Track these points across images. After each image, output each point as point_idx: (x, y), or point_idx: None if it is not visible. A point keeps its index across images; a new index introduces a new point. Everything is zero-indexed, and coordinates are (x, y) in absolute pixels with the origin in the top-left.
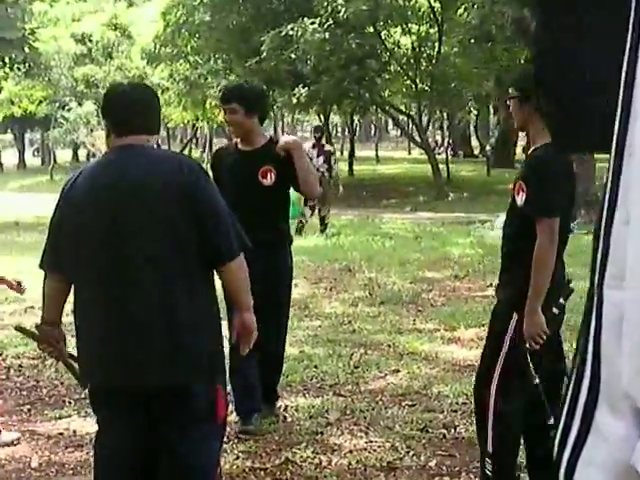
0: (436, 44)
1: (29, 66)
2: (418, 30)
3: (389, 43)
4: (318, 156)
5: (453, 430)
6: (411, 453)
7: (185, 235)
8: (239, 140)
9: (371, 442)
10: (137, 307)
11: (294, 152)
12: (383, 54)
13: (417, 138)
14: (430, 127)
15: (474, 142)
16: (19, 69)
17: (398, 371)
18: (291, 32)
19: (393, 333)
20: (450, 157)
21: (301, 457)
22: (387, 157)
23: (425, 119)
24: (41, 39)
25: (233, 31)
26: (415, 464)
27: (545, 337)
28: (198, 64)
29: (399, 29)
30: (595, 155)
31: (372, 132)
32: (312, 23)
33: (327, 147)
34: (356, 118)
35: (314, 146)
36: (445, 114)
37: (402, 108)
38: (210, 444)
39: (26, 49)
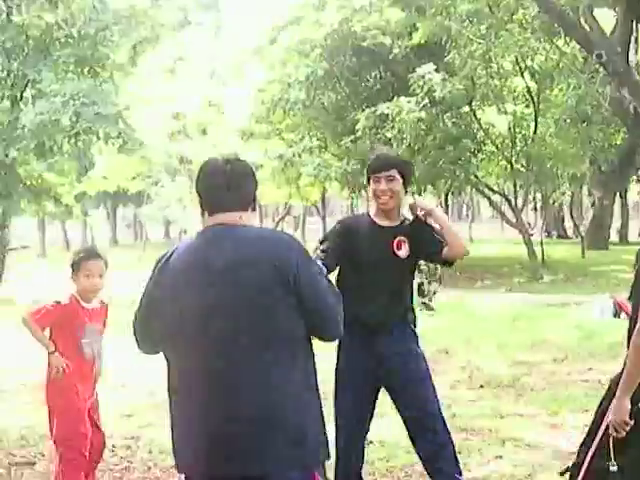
0: (531, 124)
1: (123, 141)
2: (514, 110)
3: (484, 123)
4: None
5: None
6: None
7: (286, 316)
8: (375, 213)
9: None
10: (241, 394)
11: (433, 212)
12: (478, 134)
13: (512, 219)
14: (524, 208)
15: (567, 223)
16: (113, 144)
17: (501, 457)
18: (387, 111)
19: (494, 418)
20: (544, 238)
21: None
22: (480, 238)
23: (520, 200)
24: (135, 116)
25: (328, 109)
26: None
27: (629, 427)
28: (292, 142)
29: (494, 108)
30: None
31: (464, 212)
32: (408, 102)
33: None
34: (450, 198)
35: None
36: (539, 195)
37: (496, 188)
38: None
39: (121, 124)
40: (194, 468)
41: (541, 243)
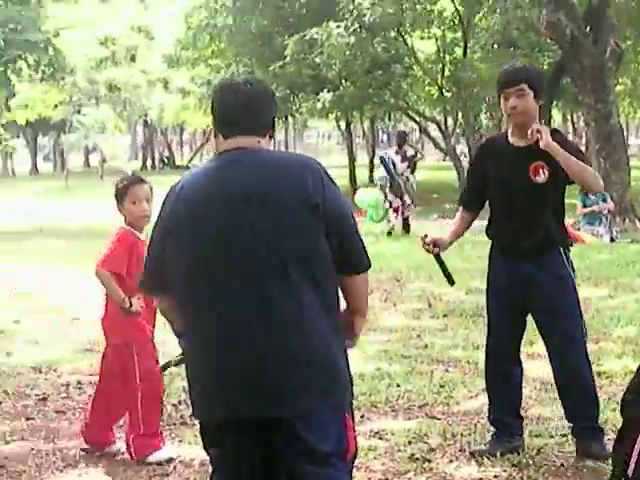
0: (459, 49)
1: (54, 68)
2: (442, 34)
3: (413, 49)
4: (402, 161)
5: (572, 458)
6: None
7: (313, 245)
8: (511, 132)
9: (485, 472)
10: (264, 327)
11: (550, 148)
12: (407, 59)
13: (442, 144)
14: (453, 133)
15: None
16: (44, 72)
17: None
18: (316, 36)
19: (468, 349)
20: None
21: None
22: None
23: (450, 125)
24: (64, 42)
25: (255, 35)
26: None
27: None
28: (220, 68)
29: (423, 33)
30: (630, 163)
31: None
32: (337, 27)
33: (410, 152)
34: (380, 125)
35: (397, 152)
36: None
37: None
38: None
39: (50, 51)
40: (214, 413)
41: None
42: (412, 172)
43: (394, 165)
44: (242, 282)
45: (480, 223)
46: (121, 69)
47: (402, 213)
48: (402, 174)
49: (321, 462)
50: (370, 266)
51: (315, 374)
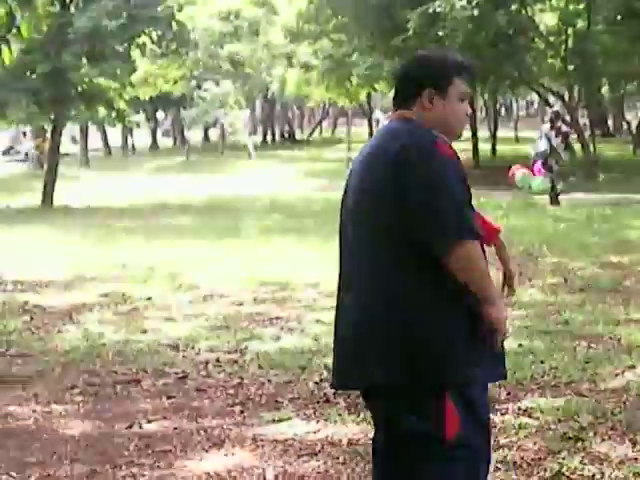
0: (580, 21)
1: (177, 44)
2: (565, 4)
3: (536, 21)
4: (556, 136)
5: None
6: None
7: (397, 220)
8: None
9: None
10: (360, 300)
11: None
12: (529, 32)
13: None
14: (577, 106)
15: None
16: (167, 47)
17: (634, 367)
18: (439, 9)
19: (609, 324)
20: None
21: (568, 468)
22: (527, 137)
23: (574, 98)
24: (186, 17)
25: (377, 8)
26: None
27: None
28: (342, 42)
29: (545, 5)
30: None
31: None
32: (460, 0)
33: (564, 128)
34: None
35: (551, 127)
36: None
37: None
38: (428, 469)
39: (174, 26)
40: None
41: (593, 141)
42: (565, 148)
43: (549, 140)
44: (346, 260)
45: (612, 196)
46: (243, 43)
47: (554, 188)
48: (556, 150)
49: (408, 442)
50: (466, 238)
51: (399, 349)
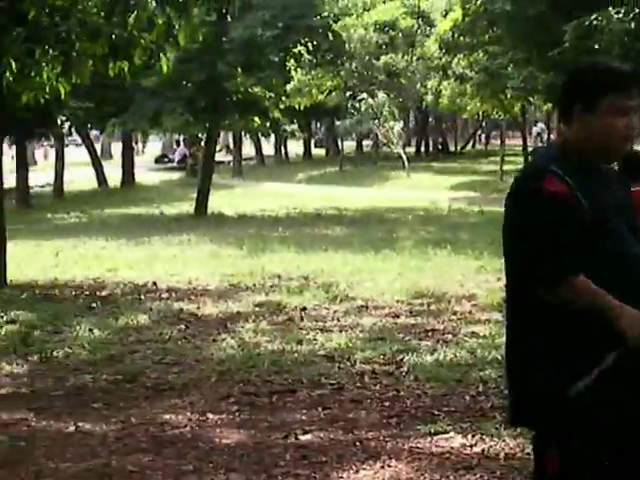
0: None
1: (333, 54)
2: None
3: None
4: None
5: None
6: None
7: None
8: None
9: None
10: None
11: None
12: None
13: None
14: None
15: None
16: (323, 57)
17: None
18: (595, 22)
19: None
20: None
21: None
22: None
23: None
24: (342, 27)
25: (533, 21)
26: None
27: None
28: (497, 55)
29: None
30: None
31: None
32: (617, 12)
33: None
34: None
35: None
36: None
37: None
38: None
39: (330, 36)
40: None
41: None
42: None
43: None
44: None
45: None
46: (399, 55)
47: None
48: None
49: None
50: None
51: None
